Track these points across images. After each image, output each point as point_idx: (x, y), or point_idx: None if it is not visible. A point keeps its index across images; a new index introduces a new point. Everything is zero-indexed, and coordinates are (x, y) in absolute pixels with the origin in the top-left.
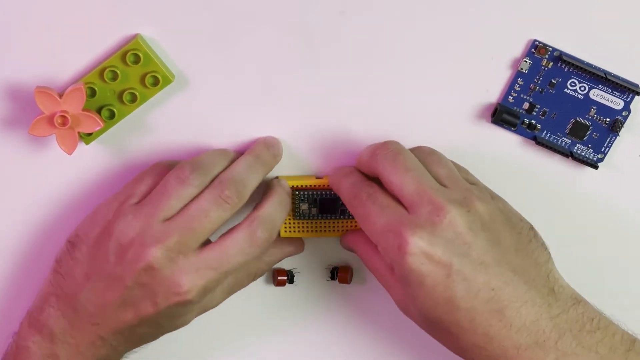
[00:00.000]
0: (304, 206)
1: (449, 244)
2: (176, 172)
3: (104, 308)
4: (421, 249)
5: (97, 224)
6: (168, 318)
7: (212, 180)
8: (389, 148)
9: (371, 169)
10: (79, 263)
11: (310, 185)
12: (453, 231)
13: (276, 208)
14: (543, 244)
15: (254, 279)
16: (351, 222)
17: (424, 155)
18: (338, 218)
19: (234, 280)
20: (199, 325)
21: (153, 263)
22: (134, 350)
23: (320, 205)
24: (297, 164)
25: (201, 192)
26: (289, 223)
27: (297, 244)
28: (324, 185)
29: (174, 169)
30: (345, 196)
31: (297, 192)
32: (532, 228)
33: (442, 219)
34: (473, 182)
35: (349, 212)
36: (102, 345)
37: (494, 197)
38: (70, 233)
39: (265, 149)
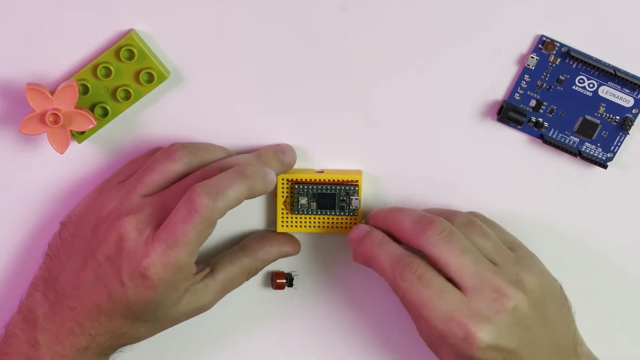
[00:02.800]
0: (303, 201)
1: (512, 329)
2: (165, 149)
3: (79, 288)
4: (488, 342)
5: (85, 204)
6: (141, 308)
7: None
8: (441, 229)
9: (417, 246)
10: (65, 242)
11: (310, 180)
12: (516, 316)
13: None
14: (568, 300)
15: (248, 277)
16: (350, 219)
17: (465, 227)
18: (337, 214)
19: (225, 276)
20: (195, 330)
21: (123, 233)
22: (119, 349)
23: (319, 200)
24: (296, 158)
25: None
26: (287, 218)
27: (294, 244)
28: (323, 180)
29: (165, 147)
30: (387, 273)
31: (296, 186)
32: (561, 287)
33: (506, 306)
34: (511, 246)
35: (348, 208)
36: (81, 333)
37: (532, 258)
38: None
39: (272, 152)
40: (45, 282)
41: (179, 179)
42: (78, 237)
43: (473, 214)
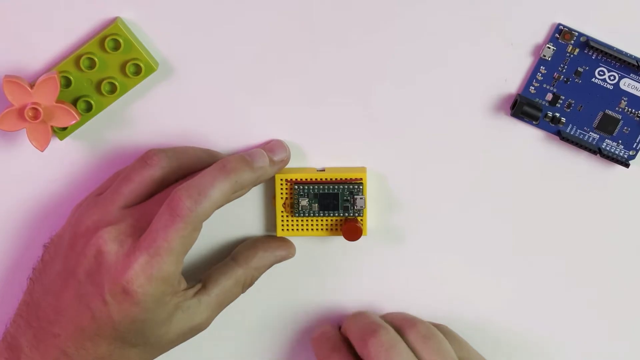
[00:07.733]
0: (304, 202)
1: None
2: (140, 156)
3: (61, 312)
4: None
5: (64, 224)
6: (127, 327)
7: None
8: (381, 342)
9: (361, 356)
10: (46, 265)
11: (311, 179)
12: None
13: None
14: None
15: (244, 289)
16: (354, 221)
17: (420, 341)
18: (341, 215)
19: (219, 290)
20: (187, 343)
21: (102, 245)
22: None
23: (321, 200)
24: (295, 157)
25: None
26: (287, 221)
27: (289, 247)
28: (325, 179)
29: (141, 155)
30: None
31: (295, 187)
32: None
33: None
34: None
35: (352, 208)
36: None
37: None
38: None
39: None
40: (28, 307)
41: (158, 186)
42: (57, 257)
43: (439, 328)
